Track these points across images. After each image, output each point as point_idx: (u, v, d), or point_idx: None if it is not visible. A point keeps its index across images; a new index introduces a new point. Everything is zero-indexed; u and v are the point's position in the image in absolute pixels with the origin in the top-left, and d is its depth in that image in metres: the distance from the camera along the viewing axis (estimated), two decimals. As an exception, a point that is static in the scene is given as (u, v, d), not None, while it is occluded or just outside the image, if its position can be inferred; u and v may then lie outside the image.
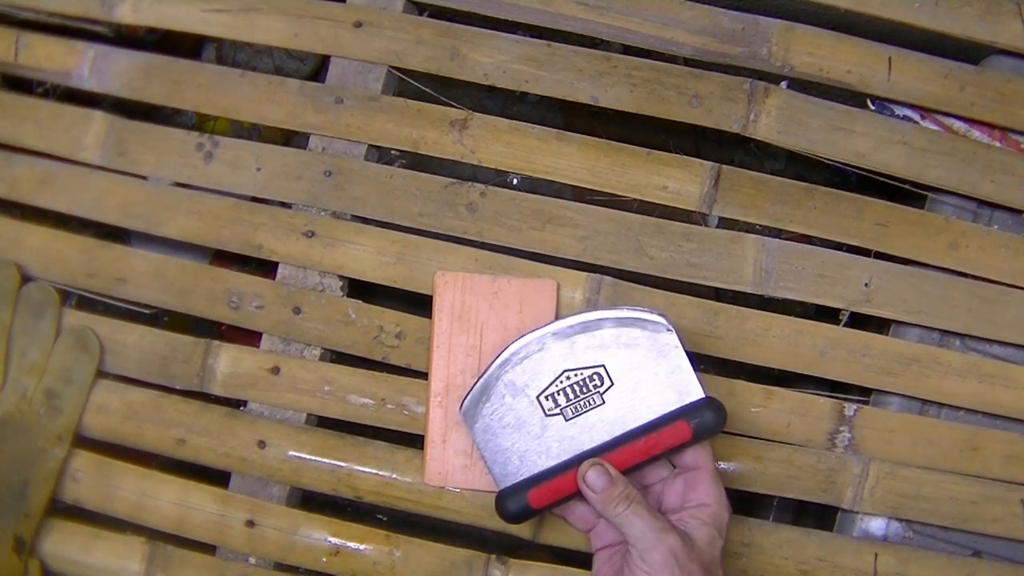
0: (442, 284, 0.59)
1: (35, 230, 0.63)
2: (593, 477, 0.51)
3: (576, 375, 0.54)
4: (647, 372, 0.53)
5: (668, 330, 0.53)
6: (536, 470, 0.53)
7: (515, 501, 0.53)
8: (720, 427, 0.52)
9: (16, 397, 0.59)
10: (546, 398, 0.54)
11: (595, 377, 0.53)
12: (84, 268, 0.62)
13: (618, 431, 0.53)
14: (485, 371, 0.54)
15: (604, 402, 0.53)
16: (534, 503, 0.53)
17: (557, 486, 0.53)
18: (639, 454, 0.52)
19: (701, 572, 0.49)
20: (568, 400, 0.54)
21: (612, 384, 0.53)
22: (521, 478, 0.54)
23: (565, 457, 0.53)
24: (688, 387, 0.53)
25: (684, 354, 0.54)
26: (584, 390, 0.53)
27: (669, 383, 0.53)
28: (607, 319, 0.54)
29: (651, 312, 0.54)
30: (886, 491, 0.60)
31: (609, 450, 0.52)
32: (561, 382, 0.54)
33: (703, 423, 0.52)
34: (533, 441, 0.54)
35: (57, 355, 0.60)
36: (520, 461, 0.54)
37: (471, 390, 0.55)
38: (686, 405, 0.53)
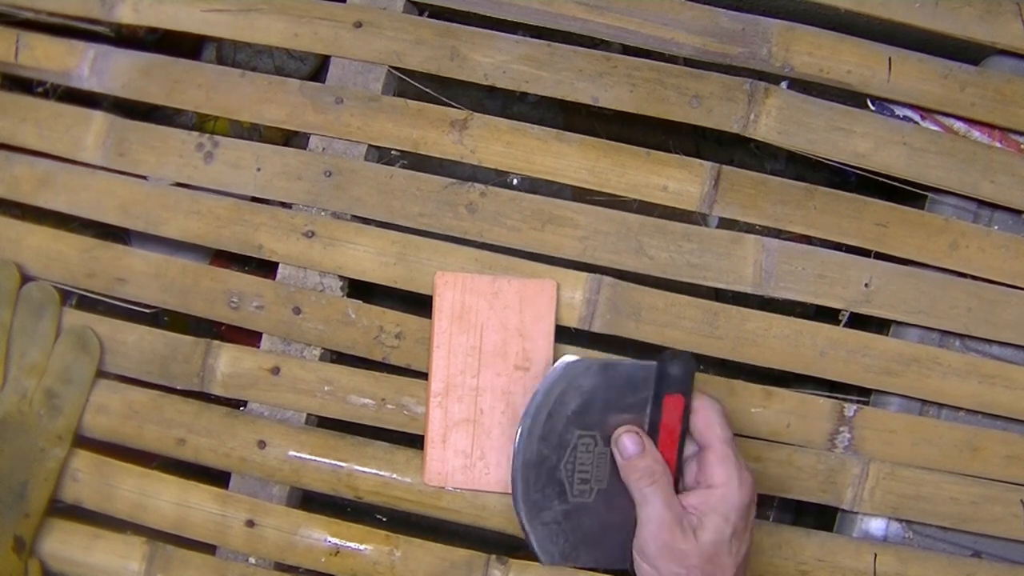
0: (442, 284, 0.59)
1: (35, 230, 0.63)
2: (626, 441, 0.51)
3: (572, 457, 0.53)
4: (606, 400, 0.52)
5: (572, 360, 0.53)
6: (622, 540, 0.53)
7: None
8: (690, 365, 0.51)
9: (16, 397, 0.59)
10: (574, 491, 0.53)
11: (583, 443, 0.53)
12: (84, 268, 0.62)
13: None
14: (523, 524, 0.53)
15: (609, 448, 0.53)
16: None
17: None
18: (670, 452, 0.52)
19: (699, 568, 0.49)
20: (588, 476, 0.53)
21: (597, 434, 0.53)
22: (623, 555, 0.53)
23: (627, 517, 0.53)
24: (642, 374, 0.52)
25: (611, 360, 0.53)
26: (588, 459, 0.53)
27: (627, 387, 0.52)
28: (540, 405, 0.52)
29: (562, 365, 0.53)
30: (886, 491, 0.60)
31: None
32: (569, 471, 0.53)
33: (674, 379, 0.51)
34: (601, 525, 0.53)
35: (57, 355, 0.60)
36: (609, 543, 0.53)
37: (528, 537, 0.53)
38: (656, 383, 0.52)
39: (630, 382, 0.52)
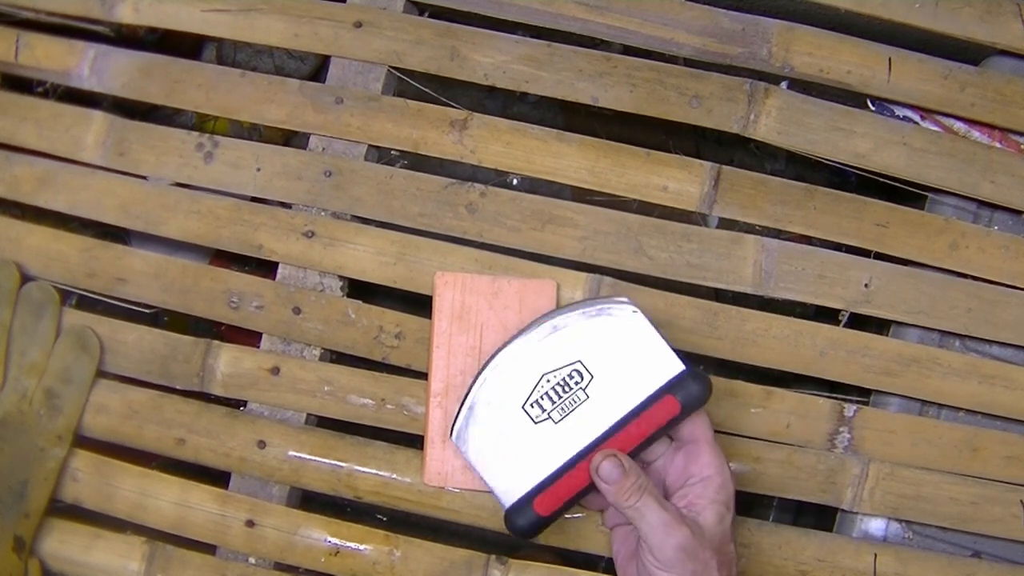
0: (442, 284, 0.59)
1: (35, 230, 0.63)
2: (607, 469, 0.50)
3: (555, 376, 0.53)
4: (624, 357, 0.53)
5: (634, 312, 0.53)
6: (537, 479, 0.53)
7: (523, 515, 0.52)
8: (707, 394, 0.52)
9: (16, 397, 0.59)
10: (531, 406, 0.53)
11: (574, 374, 0.53)
12: (84, 268, 0.62)
13: (609, 422, 0.53)
14: (466, 395, 0.54)
15: (588, 396, 0.53)
16: (542, 511, 0.52)
17: (561, 489, 0.52)
18: (634, 439, 0.52)
19: (713, 558, 0.49)
20: (553, 403, 0.53)
21: (592, 377, 0.53)
22: (524, 491, 0.53)
23: (562, 460, 0.53)
24: (667, 363, 0.53)
25: (656, 332, 0.53)
26: (566, 389, 0.53)
27: (648, 363, 0.53)
28: (572, 315, 0.54)
29: (614, 299, 0.54)
30: (886, 492, 0.60)
31: (603, 441, 0.52)
32: (542, 386, 0.53)
33: (689, 394, 0.52)
34: (527, 451, 0.53)
35: (57, 355, 0.60)
36: (519, 474, 0.53)
37: (456, 416, 0.54)
38: (670, 380, 0.52)
39: (655, 363, 0.53)
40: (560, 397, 0.53)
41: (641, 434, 0.52)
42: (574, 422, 0.53)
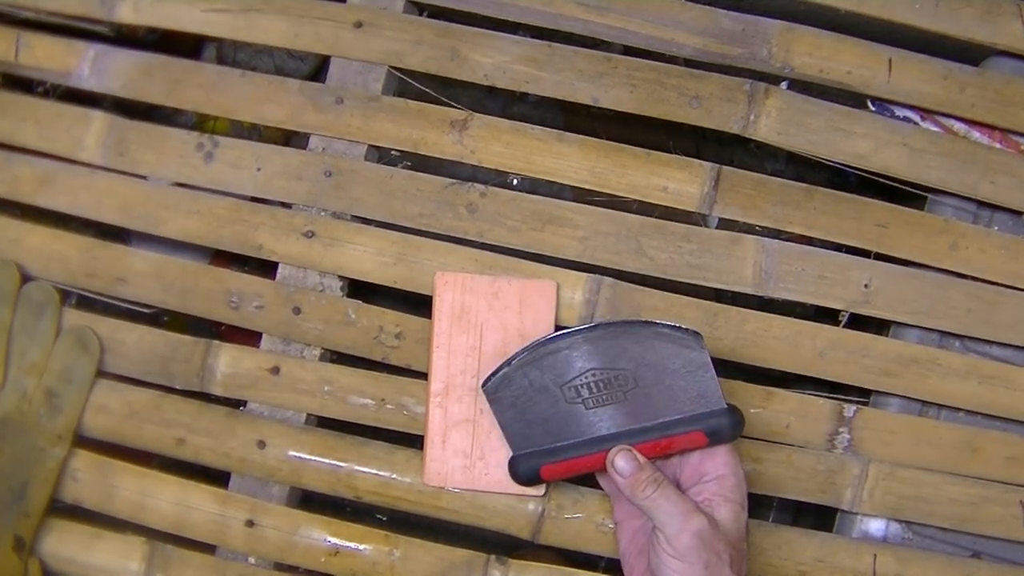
0: (442, 284, 0.59)
1: (35, 230, 0.63)
2: (621, 463, 0.52)
3: (602, 374, 0.54)
4: (673, 381, 0.53)
5: (701, 349, 0.53)
6: (549, 444, 0.55)
7: (527, 467, 0.55)
8: (737, 434, 0.53)
9: (16, 397, 0.59)
10: (569, 388, 0.54)
11: (620, 377, 0.54)
12: (84, 268, 0.62)
13: (636, 423, 0.54)
14: (511, 359, 0.54)
15: (626, 399, 0.54)
16: (545, 475, 0.55)
17: (570, 466, 0.54)
18: (653, 451, 0.53)
19: (728, 551, 0.49)
20: (591, 392, 0.54)
21: (636, 386, 0.53)
22: (533, 448, 0.55)
23: (580, 438, 0.54)
24: (710, 396, 0.53)
25: (712, 371, 0.53)
26: (608, 386, 0.54)
27: (693, 392, 0.53)
28: (643, 329, 0.53)
29: (688, 329, 0.53)
30: (885, 492, 0.60)
31: (625, 440, 0.53)
32: (585, 378, 0.54)
33: (719, 432, 0.53)
34: (551, 419, 0.54)
35: (57, 355, 0.60)
36: (537, 433, 0.55)
37: (495, 373, 0.54)
38: (705, 412, 0.53)
39: (700, 393, 0.53)
40: (600, 391, 0.54)
41: (660, 450, 0.53)
42: (604, 414, 0.54)
